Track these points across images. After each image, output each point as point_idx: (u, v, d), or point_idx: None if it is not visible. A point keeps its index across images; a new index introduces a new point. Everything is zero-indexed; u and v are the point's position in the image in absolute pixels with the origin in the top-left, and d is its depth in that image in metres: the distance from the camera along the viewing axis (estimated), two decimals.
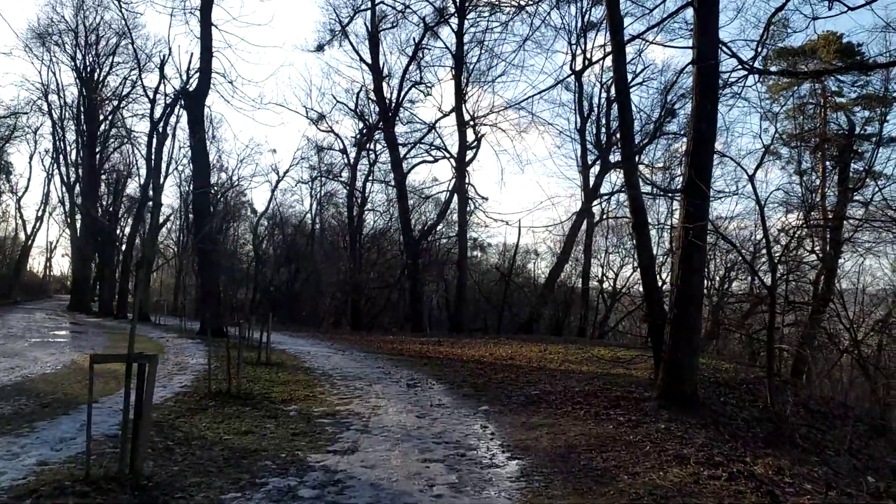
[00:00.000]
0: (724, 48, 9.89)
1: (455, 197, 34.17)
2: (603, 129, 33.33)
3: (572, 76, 30.77)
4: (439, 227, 43.29)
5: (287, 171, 52.60)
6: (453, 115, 34.53)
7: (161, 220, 43.71)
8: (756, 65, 11.61)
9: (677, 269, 9.78)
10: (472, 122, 33.03)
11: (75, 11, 47.89)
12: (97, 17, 47.77)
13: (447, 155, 34.21)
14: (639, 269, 12.87)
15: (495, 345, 22.10)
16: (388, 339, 25.29)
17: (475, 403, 10.58)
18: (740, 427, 9.88)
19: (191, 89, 27.01)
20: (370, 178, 44.07)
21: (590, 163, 32.39)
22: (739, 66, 10.49)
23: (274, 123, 49.61)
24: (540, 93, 29.68)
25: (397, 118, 35.91)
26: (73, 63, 50.49)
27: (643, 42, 27.35)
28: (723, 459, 7.04)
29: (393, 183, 36.89)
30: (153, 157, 42.03)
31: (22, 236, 74.04)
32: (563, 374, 14.21)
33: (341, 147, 44.90)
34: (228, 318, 25.78)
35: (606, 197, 33.42)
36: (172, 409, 9.69)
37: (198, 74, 26.57)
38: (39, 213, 67.08)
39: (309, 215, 53.74)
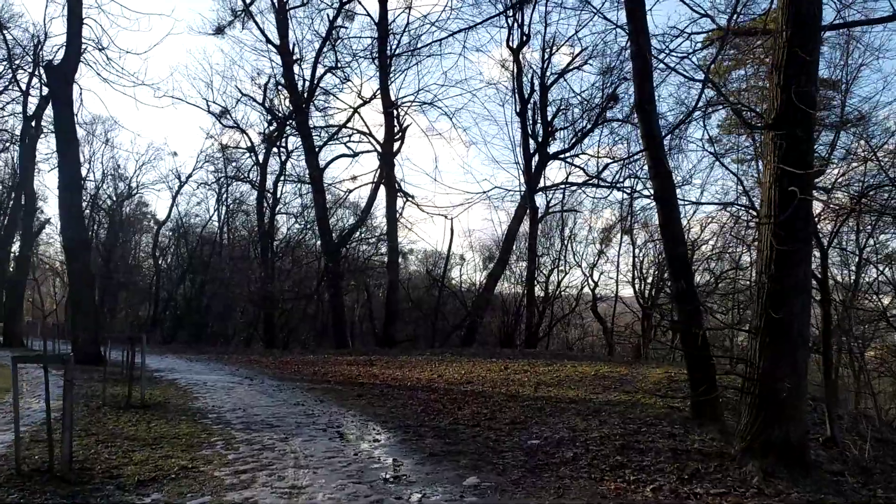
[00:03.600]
0: None
1: (381, 191, 30.18)
2: (539, 119, 30.22)
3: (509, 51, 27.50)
4: (360, 232, 39.42)
5: (189, 175, 47.21)
6: (374, 102, 30.78)
7: (35, 227, 37.68)
8: None
9: (767, 248, 6.27)
10: (398, 105, 29.18)
11: None
12: None
13: (371, 140, 30.07)
14: (664, 251, 9.31)
15: (440, 362, 18.31)
16: (309, 360, 21.06)
17: (453, 470, 6.75)
18: (856, 490, 6.45)
19: (56, 63, 22.16)
20: (282, 177, 39.73)
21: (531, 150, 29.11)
22: None
23: (160, 105, 43.95)
24: (471, 27, 25.45)
25: (311, 106, 31.69)
26: None
27: None
28: None
29: (307, 179, 32.64)
30: (28, 155, 36.37)
31: None
32: (552, 405, 10.55)
33: (248, 145, 40.45)
34: (112, 340, 21.02)
35: (553, 188, 30.24)
36: None
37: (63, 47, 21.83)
38: None
39: (216, 223, 48.76)
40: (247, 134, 39.01)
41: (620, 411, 9.57)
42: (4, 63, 41.19)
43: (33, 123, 36.54)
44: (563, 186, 30.16)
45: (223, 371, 18.29)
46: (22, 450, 7.67)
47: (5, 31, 37.54)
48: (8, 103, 44.27)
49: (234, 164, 43.02)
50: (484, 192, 31.90)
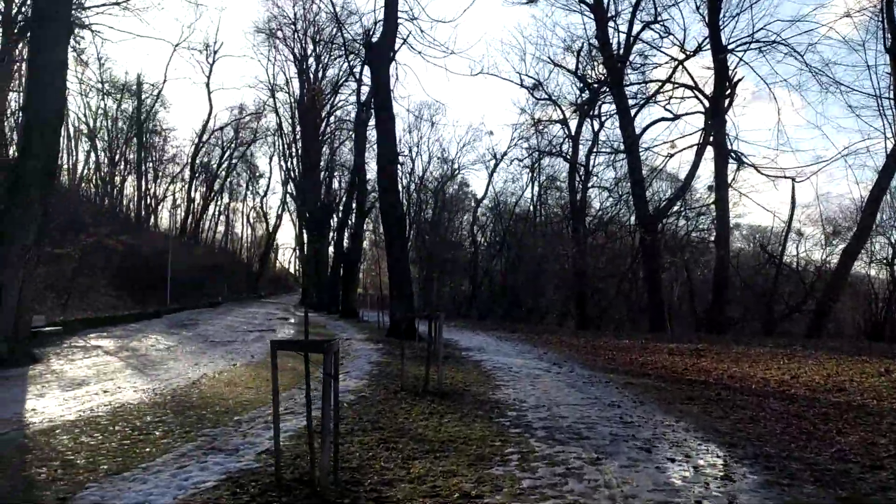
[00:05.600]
0: None
1: (707, 155, 26.58)
2: None
3: None
4: (679, 205, 35.97)
5: (504, 153, 47.57)
6: (699, 57, 27.15)
7: (367, 205, 40.56)
8: None
9: None
10: (730, 51, 25.17)
11: (293, 1, 47.09)
12: (312, 4, 46.20)
13: (697, 95, 26.37)
14: None
15: (789, 357, 14.84)
16: (623, 346, 18.90)
17: None
18: None
19: (374, 41, 22.73)
20: (594, 149, 37.82)
21: None
22: None
23: (468, 73, 44.77)
24: None
25: (627, 67, 29.10)
26: (293, 57, 50.05)
27: None
28: None
29: (622, 149, 30.19)
30: (360, 139, 39.31)
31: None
32: None
33: (560, 117, 39.32)
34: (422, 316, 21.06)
35: None
36: None
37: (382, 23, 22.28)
38: (280, 211, 69.46)
39: (529, 200, 48.80)
40: (559, 106, 37.83)
41: None
42: (342, 59, 45.36)
43: (364, 109, 39.42)
44: None
45: (531, 354, 16.97)
46: (302, 446, 6.75)
47: (343, 30, 40.89)
48: (350, 94, 48.99)
49: (545, 138, 42.23)
50: (839, 153, 26.51)
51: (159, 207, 58.54)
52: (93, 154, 49.14)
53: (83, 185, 47.24)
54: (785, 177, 27.28)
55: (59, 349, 16.33)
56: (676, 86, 27.97)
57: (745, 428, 7.92)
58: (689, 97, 27.77)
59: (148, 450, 6.61)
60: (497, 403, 9.43)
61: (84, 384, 10.99)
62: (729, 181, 25.54)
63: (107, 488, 5.35)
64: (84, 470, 5.86)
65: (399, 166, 23.42)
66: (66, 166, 42.03)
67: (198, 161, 57.57)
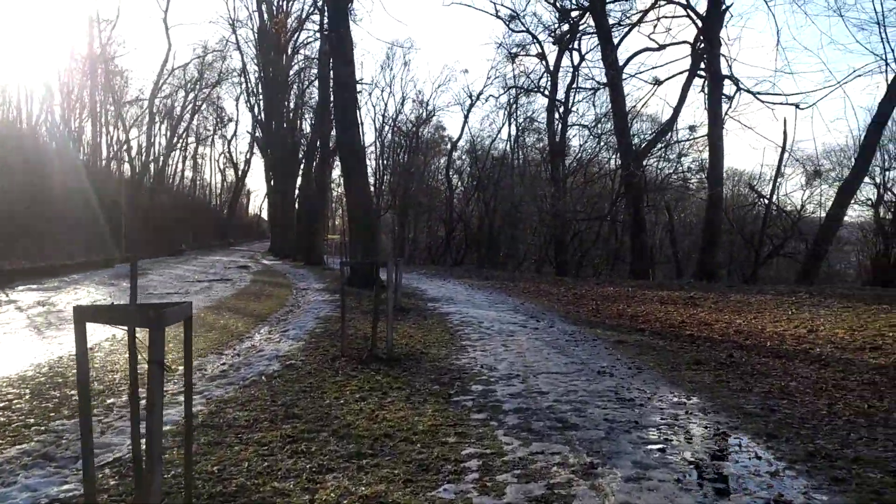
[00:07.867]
0: None
1: (696, 85, 24.44)
2: None
3: None
4: (659, 146, 34.11)
5: (480, 92, 44.97)
6: None
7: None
8: None
9: None
10: None
11: None
12: None
13: (689, 14, 23.79)
14: None
15: (796, 306, 13.07)
16: (608, 294, 17.06)
17: None
18: None
19: None
20: (574, 85, 35.59)
21: None
22: None
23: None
24: None
25: None
26: None
27: None
28: None
29: (603, 82, 27.98)
30: (324, 73, 36.52)
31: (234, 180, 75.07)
32: None
33: (539, 51, 37.03)
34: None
35: None
36: None
37: None
38: (248, 156, 66.35)
39: (506, 142, 46.45)
40: (536, 39, 35.46)
41: None
42: None
43: (328, 41, 36.57)
44: None
45: (505, 304, 15.06)
46: (178, 449, 4.77)
47: None
48: (316, 31, 45.61)
49: (523, 72, 39.89)
50: (838, 83, 24.61)
51: (121, 152, 55.15)
52: (47, 98, 45.60)
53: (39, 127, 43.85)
54: (787, 103, 25.31)
55: None
56: (665, 3, 25.47)
57: (779, 407, 6.05)
58: (680, 15, 25.19)
59: None
60: (460, 372, 7.51)
61: None
62: (724, 111, 23.46)
63: None
64: None
65: (358, 94, 21.11)
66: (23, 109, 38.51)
67: (158, 102, 54.02)
